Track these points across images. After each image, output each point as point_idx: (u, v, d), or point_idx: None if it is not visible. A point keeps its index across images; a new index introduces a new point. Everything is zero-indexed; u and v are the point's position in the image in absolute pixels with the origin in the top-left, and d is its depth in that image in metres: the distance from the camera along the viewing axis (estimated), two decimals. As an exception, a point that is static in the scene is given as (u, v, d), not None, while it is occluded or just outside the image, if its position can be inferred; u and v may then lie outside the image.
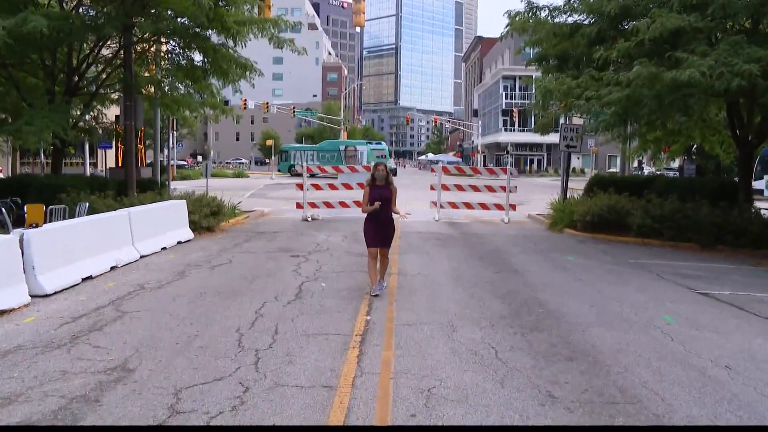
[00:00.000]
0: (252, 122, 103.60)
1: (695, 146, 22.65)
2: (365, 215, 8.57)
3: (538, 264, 11.55)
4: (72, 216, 12.50)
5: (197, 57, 17.95)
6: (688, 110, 12.92)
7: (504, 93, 72.44)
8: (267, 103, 61.09)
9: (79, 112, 17.70)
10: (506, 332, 6.87)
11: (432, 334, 6.73)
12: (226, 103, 26.66)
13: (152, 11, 15.59)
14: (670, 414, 4.73)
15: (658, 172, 33.35)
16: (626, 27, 13.98)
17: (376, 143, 60.87)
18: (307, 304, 8.02)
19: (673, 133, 16.73)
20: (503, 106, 71.98)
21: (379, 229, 8.44)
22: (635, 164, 44.12)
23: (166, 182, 19.60)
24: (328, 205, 18.83)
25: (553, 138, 27.09)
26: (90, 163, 31.72)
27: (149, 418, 4.48)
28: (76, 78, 16.85)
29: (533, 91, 25.03)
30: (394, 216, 8.59)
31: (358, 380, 5.31)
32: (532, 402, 4.90)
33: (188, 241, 13.65)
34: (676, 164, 37.49)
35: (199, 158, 75.10)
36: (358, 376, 5.40)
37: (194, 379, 5.28)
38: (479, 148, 78.14)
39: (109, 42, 17.17)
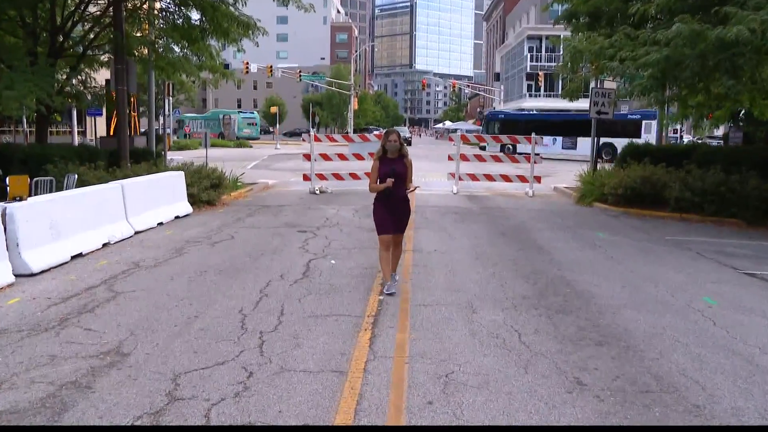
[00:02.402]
0: (255, 88, 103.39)
1: (743, 112, 22.18)
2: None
3: (565, 241, 11.48)
4: (59, 189, 12.56)
5: (194, 15, 17.81)
6: (736, 72, 12.57)
7: (529, 55, 71.48)
8: (271, 67, 60.66)
9: (65, 76, 17.63)
10: (530, 314, 6.85)
11: (450, 316, 6.72)
12: (227, 66, 26.58)
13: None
14: (712, 405, 4.68)
15: (700, 141, 32.92)
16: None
17: (249, 113, 68.93)
18: (316, 283, 8.03)
19: (718, 97, 16.39)
20: (528, 70, 71.06)
21: (392, 211, 7.58)
22: (673, 132, 43.44)
23: (162, 152, 19.61)
24: (337, 176, 18.81)
25: (583, 104, 26.74)
26: (78, 132, 31.76)
27: (146, 406, 4.50)
28: (61, 38, 16.75)
29: (561, 52, 24.67)
30: (422, 205, 7.58)
31: (370, 365, 5.32)
32: (559, 389, 4.88)
33: (187, 215, 13.70)
34: (720, 132, 36.91)
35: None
36: (371, 360, 5.41)
37: (194, 363, 5.30)
38: (501, 115, 77.38)
39: (96, -3, 17.05)
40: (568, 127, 39.28)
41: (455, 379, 5.05)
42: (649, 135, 36.30)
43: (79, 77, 18.95)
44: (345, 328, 6.26)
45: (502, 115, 47.50)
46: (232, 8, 16.84)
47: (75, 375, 5.04)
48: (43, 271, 8.41)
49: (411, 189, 7.66)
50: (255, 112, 71.85)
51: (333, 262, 9.33)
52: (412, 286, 7.92)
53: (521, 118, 46.27)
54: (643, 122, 38.51)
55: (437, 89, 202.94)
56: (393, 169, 7.41)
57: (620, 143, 33.74)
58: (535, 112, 52.26)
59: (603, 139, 33.69)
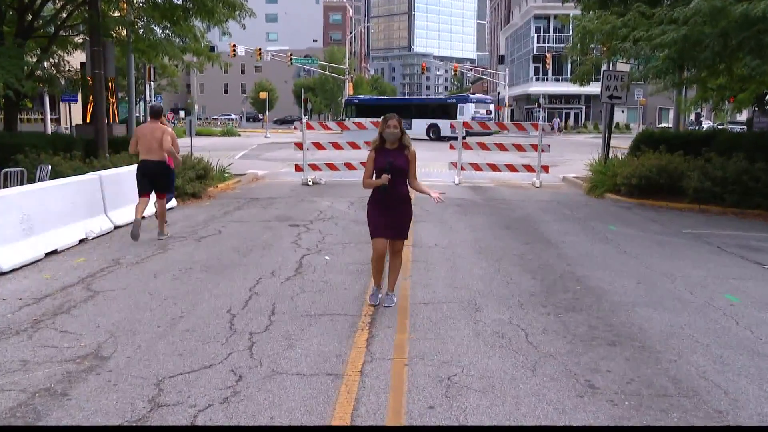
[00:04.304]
0: (243, 72, 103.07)
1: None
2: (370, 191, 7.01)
3: (574, 234, 11.48)
4: (32, 180, 12.53)
5: (176, -6, 17.73)
6: (762, 51, 12.47)
7: (536, 36, 71.52)
8: (260, 50, 60.59)
9: (35, 59, 17.51)
10: (538, 312, 6.84)
11: (452, 315, 6.71)
12: (212, 49, 26.43)
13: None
14: (735, 410, 4.66)
15: (721, 127, 32.95)
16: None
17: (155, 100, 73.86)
18: (309, 281, 8.02)
19: (741, 79, 16.32)
20: (534, 52, 71.10)
21: (388, 212, 6.78)
22: (692, 117, 43.57)
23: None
24: (331, 167, 18.77)
25: (594, 88, 26.69)
26: (52, 119, 31.58)
27: (127, 413, 4.48)
28: (30, 16, 16.61)
29: (570, 32, 24.61)
30: (421, 196, 6.89)
31: (367, 367, 5.31)
32: (569, 393, 4.87)
33: (171, 209, 13.64)
34: (743, 117, 36.95)
35: (182, 114, 75.33)
36: (368, 363, 5.40)
37: (179, 367, 5.29)
38: (506, 100, 77.47)
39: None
40: (405, 110, 47.33)
41: (458, 382, 5.04)
42: (462, 116, 43.19)
43: (52, 60, 18.86)
44: (340, 328, 6.24)
45: (357, 100, 57.71)
46: (216, -14, 16.78)
47: (49, 381, 5.00)
48: (14, 270, 8.36)
49: (437, 196, 6.75)
50: (160, 97, 76.16)
51: (327, 258, 9.32)
52: (411, 283, 7.91)
53: (372, 103, 57.33)
54: (458, 105, 48.22)
55: (438, 73, 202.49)
56: (390, 163, 6.58)
57: (442, 123, 46.27)
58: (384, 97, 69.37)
59: (429, 121, 48.16)
